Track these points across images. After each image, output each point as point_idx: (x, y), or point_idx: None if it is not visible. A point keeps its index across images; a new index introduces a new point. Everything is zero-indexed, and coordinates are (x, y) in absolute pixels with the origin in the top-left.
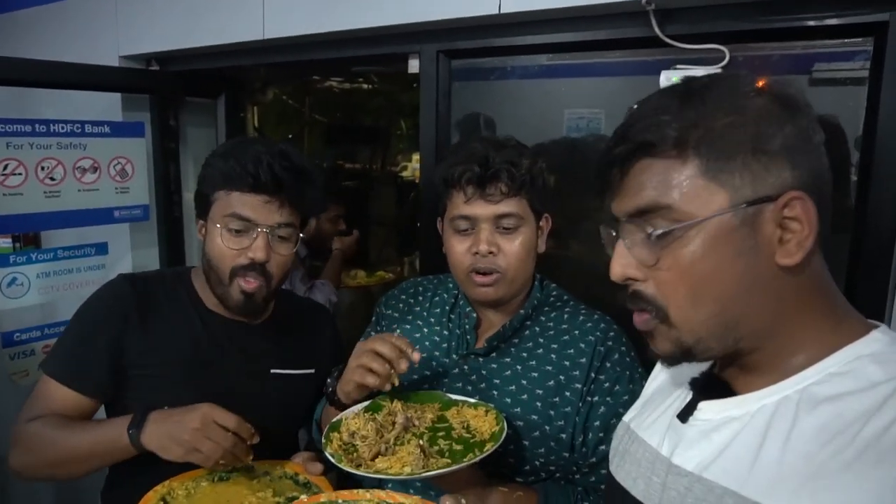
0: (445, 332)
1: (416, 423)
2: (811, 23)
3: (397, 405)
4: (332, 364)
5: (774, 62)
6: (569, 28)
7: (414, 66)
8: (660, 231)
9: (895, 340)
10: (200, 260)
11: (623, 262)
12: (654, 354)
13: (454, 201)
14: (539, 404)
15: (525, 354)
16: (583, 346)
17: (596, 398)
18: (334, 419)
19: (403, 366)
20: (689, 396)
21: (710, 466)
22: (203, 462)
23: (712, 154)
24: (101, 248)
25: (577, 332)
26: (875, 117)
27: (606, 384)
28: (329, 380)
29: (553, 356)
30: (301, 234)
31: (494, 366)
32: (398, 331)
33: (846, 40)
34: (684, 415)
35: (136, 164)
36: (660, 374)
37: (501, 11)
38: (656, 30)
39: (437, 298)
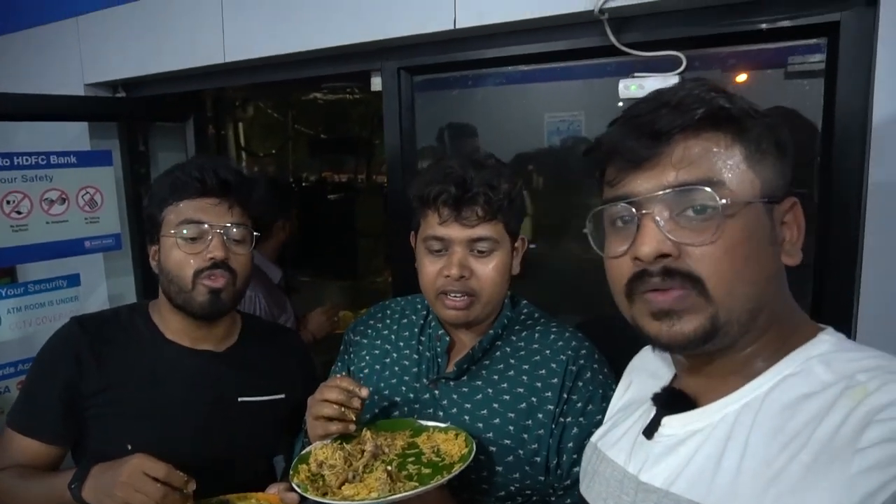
0: (415, 356)
1: (387, 450)
2: (765, 26)
3: (367, 434)
4: (303, 386)
5: (751, 57)
6: (525, 40)
7: (377, 83)
8: (724, 201)
9: (841, 341)
10: (160, 284)
11: (658, 238)
12: (668, 338)
13: (428, 221)
14: (512, 428)
15: (496, 377)
16: (554, 365)
17: (569, 419)
18: (303, 451)
19: (356, 404)
20: (654, 413)
21: (676, 481)
22: None
23: (754, 144)
24: (73, 280)
25: (548, 351)
26: (832, 114)
27: (579, 404)
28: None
29: (524, 377)
30: (257, 234)
31: (465, 390)
32: (367, 356)
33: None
34: (649, 431)
35: (105, 192)
36: (625, 393)
37: (457, 27)
38: (612, 38)
39: (405, 321)
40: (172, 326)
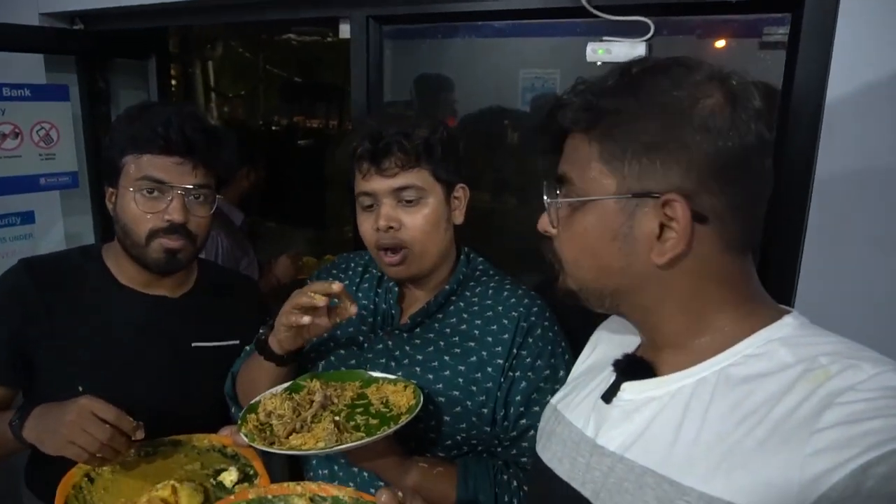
0: (371, 307)
1: (335, 400)
2: None
3: (316, 384)
4: (257, 333)
5: (726, 27)
6: None
7: (345, 30)
8: (552, 200)
9: (804, 325)
10: (115, 228)
11: (545, 218)
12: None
13: (357, 179)
14: (461, 380)
15: (448, 330)
16: (506, 322)
17: (517, 373)
18: (252, 401)
19: (351, 308)
20: (613, 378)
21: (631, 447)
22: (77, 456)
23: (610, 141)
24: (28, 217)
25: (500, 307)
26: (789, 89)
27: (528, 360)
28: (261, 329)
29: (476, 332)
30: (218, 196)
31: (418, 341)
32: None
33: None
34: (608, 395)
35: (61, 129)
36: (588, 358)
37: None
38: (583, 0)
39: (367, 274)
40: (126, 272)
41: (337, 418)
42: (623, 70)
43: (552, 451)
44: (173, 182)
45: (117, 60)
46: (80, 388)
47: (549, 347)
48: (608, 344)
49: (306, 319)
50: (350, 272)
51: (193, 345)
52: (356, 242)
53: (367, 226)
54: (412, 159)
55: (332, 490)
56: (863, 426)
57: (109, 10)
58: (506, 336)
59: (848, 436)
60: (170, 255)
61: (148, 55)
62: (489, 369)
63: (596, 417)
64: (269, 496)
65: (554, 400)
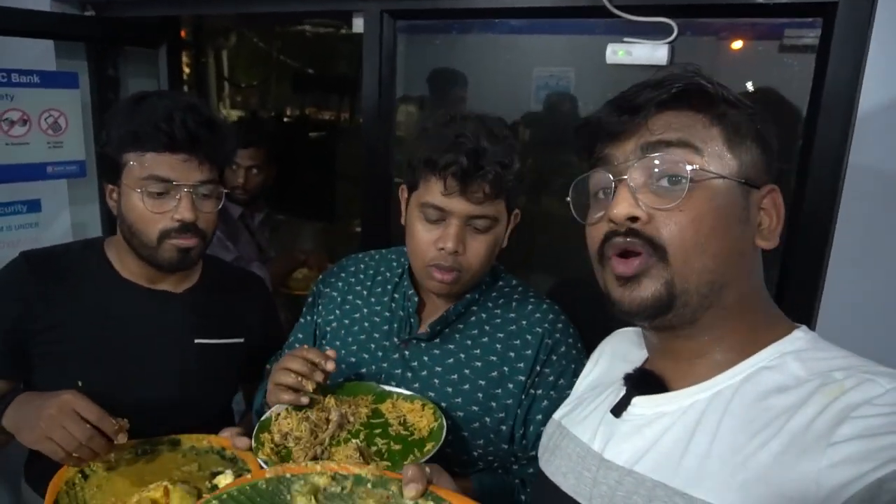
0: (387, 314)
1: (351, 419)
2: (762, 0)
3: (330, 401)
4: (263, 332)
5: (747, 28)
6: None
7: (359, 24)
8: (693, 167)
9: (815, 339)
10: (118, 226)
11: (630, 202)
12: (628, 304)
13: (430, 187)
14: (480, 395)
15: (469, 342)
16: (529, 337)
17: (539, 391)
18: (263, 417)
19: (318, 377)
20: (623, 392)
21: (640, 460)
22: (52, 453)
23: (733, 128)
24: (34, 206)
25: (524, 321)
26: (819, 95)
27: (551, 378)
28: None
29: (498, 346)
30: (224, 190)
31: (437, 352)
32: (336, 311)
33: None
34: (618, 409)
35: (70, 116)
36: (592, 372)
37: None
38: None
39: (379, 277)
40: (129, 266)
41: (358, 443)
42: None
43: (556, 466)
44: (180, 180)
45: (128, 48)
46: (80, 384)
47: (573, 366)
48: (612, 359)
49: (286, 398)
50: (361, 275)
51: (196, 341)
52: (365, 238)
53: (426, 237)
54: (500, 191)
55: (354, 469)
56: (879, 441)
57: None
58: (529, 352)
59: (864, 450)
60: (182, 253)
61: (159, 44)
62: (510, 385)
63: (604, 432)
64: (288, 475)
65: (557, 415)
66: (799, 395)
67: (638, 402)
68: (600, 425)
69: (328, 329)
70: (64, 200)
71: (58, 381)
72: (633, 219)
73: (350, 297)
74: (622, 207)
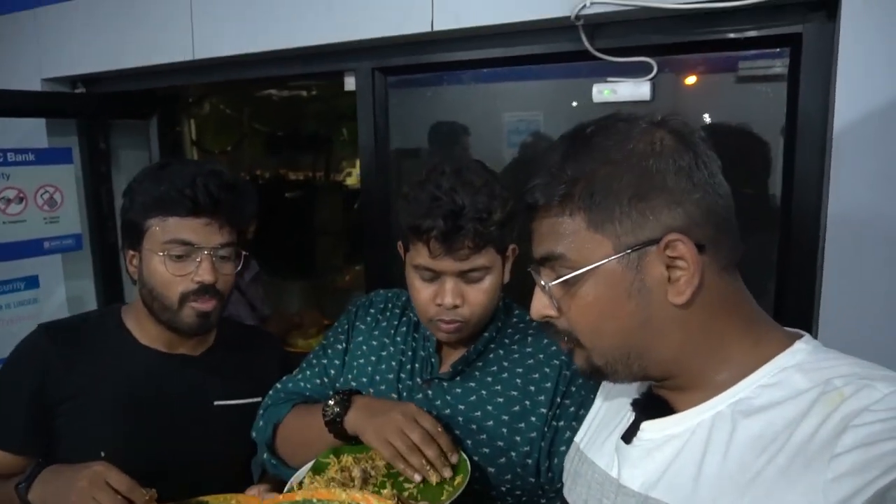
0: (410, 353)
1: (373, 472)
2: (733, 35)
3: (348, 459)
4: None
5: (702, 63)
6: (501, 43)
7: (350, 83)
8: (550, 282)
9: (817, 349)
10: (138, 291)
11: (540, 303)
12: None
13: (418, 250)
14: (505, 430)
15: (490, 379)
16: (548, 370)
17: (562, 423)
18: (286, 489)
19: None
20: (633, 417)
21: (655, 485)
22: None
23: (593, 207)
24: (32, 282)
25: (541, 355)
26: (794, 121)
27: (572, 408)
28: (332, 403)
29: (518, 381)
30: (244, 252)
31: (458, 390)
32: (364, 346)
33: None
34: (628, 435)
35: (65, 191)
36: (607, 396)
37: (434, 29)
38: (586, 44)
39: (405, 318)
40: (148, 332)
41: (394, 492)
42: (571, 137)
43: (577, 493)
44: (202, 243)
45: (118, 121)
46: (103, 454)
47: (592, 396)
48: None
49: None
50: (388, 313)
51: (216, 403)
52: (368, 289)
53: (424, 296)
54: (485, 242)
55: (373, 500)
56: (879, 448)
57: (111, 72)
58: (548, 385)
59: (866, 459)
60: (202, 318)
61: (150, 115)
62: (533, 419)
63: (618, 457)
64: (315, 500)
65: (577, 439)
66: (801, 406)
67: (646, 426)
68: (615, 451)
69: (354, 364)
70: (59, 275)
71: (80, 450)
72: (548, 315)
73: (377, 333)
74: (534, 309)
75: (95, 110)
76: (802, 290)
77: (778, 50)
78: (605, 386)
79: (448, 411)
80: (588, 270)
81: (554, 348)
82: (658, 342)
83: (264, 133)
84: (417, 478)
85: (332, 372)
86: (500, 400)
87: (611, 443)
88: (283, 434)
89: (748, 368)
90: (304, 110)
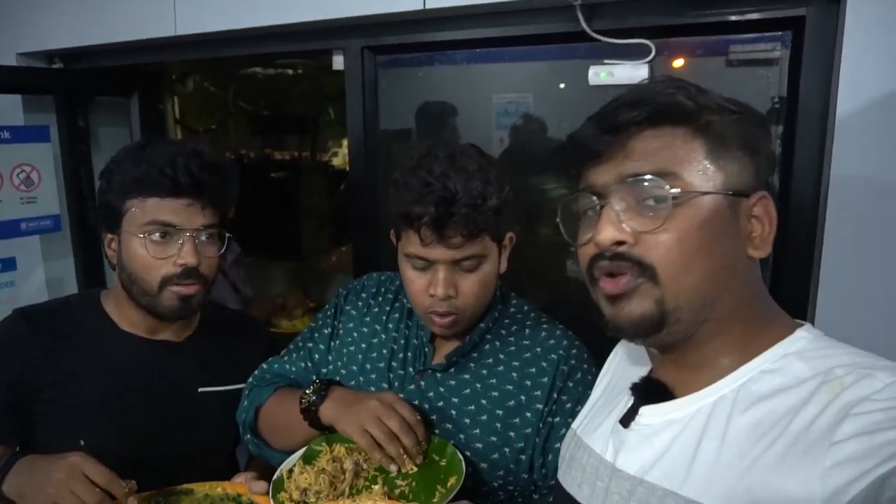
0: (403, 342)
1: (365, 465)
2: (733, 17)
3: (340, 449)
4: None
5: (702, 46)
6: (495, 23)
7: (338, 62)
8: (675, 191)
9: (818, 338)
10: (118, 276)
11: (615, 226)
12: (619, 322)
13: (410, 239)
14: (499, 425)
15: (485, 371)
16: (545, 364)
17: (557, 419)
18: (275, 476)
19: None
20: (632, 402)
21: (651, 469)
22: None
23: (717, 139)
24: (9, 264)
25: (538, 349)
26: (795, 106)
27: (568, 405)
28: (309, 392)
29: (514, 374)
30: (228, 235)
31: (452, 382)
32: (355, 333)
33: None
34: (626, 420)
35: (42, 171)
36: (603, 380)
37: (426, 7)
38: (583, 24)
39: (397, 303)
40: (128, 318)
41: (384, 489)
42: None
43: (572, 477)
44: (183, 225)
45: (98, 98)
46: (82, 443)
47: (589, 391)
48: (624, 363)
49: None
50: (380, 298)
51: (200, 390)
52: (357, 273)
53: (417, 286)
54: (478, 229)
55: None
56: (879, 437)
57: (90, 47)
58: (545, 380)
59: (865, 447)
60: (184, 301)
61: (131, 92)
62: (528, 414)
63: (615, 442)
64: None
65: (574, 425)
66: (801, 393)
67: (645, 411)
68: (611, 435)
69: (345, 351)
70: (37, 256)
71: (60, 439)
72: (620, 242)
73: (368, 320)
74: (606, 233)
75: (74, 87)
76: (799, 280)
77: (780, 33)
78: (604, 369)
79: (441, 404)
80: (702, 195)
81: (552, 341)
82: (728, 294)
83: (249, 112)
84: (394, 468)
85: (317, 356)
86: (495, 394)
87: (606, 426)
88: (265, 417)
89: (751, 353)
90: (290, 89)
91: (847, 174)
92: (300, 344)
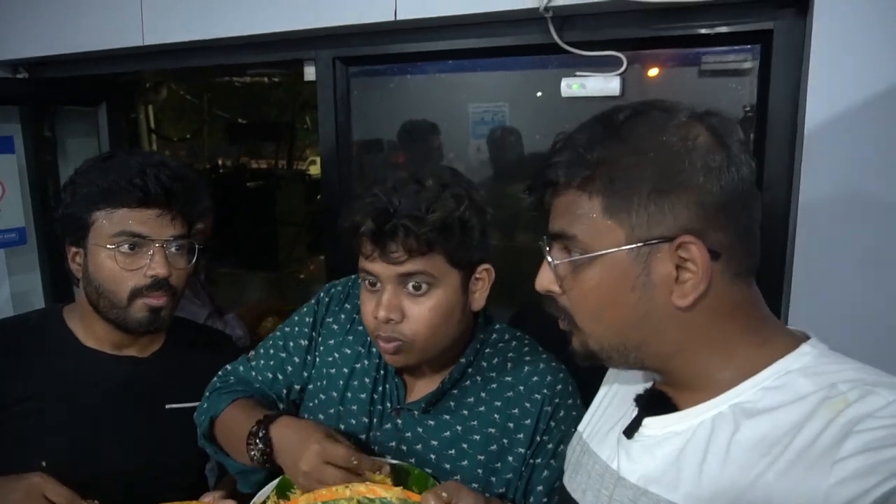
0: (382, 371)
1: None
2: (703, 31)
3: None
4: None
5: (666, 55)
6: (467, 34)
7: (310, 73)
8: (557, 262)
9: (824, 353)
10: (83, 290)
11: (546, 277)
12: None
13: (360, 253)
14: (480, 471)
15: (466, 412)
16: (528, 405)
17: (539, 460)
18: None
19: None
20: (636, 412)
21: (655, 481)
22: None
23: (613, 193)
24: None
25: (521, 387)
26: (764, 117)
27: (550, 445)
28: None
29: (496, 416)
30: (199, 246)
31: (431, 423)
32: (337, 354)
33: None
34: (630, 431)
35: (6, 183)
36: (613, 384)
37: (398, 18)
38: (555, 36)
39: None
40: (93, 333)
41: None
42: (604, 119)
43: (577, 483)
44: (153, 235)
45: (65, 108)
46: (43, 464)
47: (573, 429)
48: (631, 371)
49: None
50: (351, 308)
51: (167, 407)
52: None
53: (367, 307)
54: (423, 245)
55: (379, 490)
56: (883, 454)
57: (56, 57)
58: (528, 422)
59: (869, 464)
60: (153, 314)
61: (98, 102)
62: (510, 458)
63: (619, 450)
64: (319, 502)
65: (580, 427)
66: (804, 409)
67: (648, 422)
68: (617, 444)
69: (325, 372)
70: (2, 270)
71: (22, 460)
72: (551, 290)
73: (351, 339)
74: (539, 281)
75: (38, 97)
76: (770, 290)
77: (749, 46)
78: (610, 376)
79: (419, 446)
80: (595, 256)
81: (535, 378)
82: (655, 338)
83: (225, 120)
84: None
85: (289, 369)
86: (477, 437)
87: (614, 435)
88: (220, 429)
89: (752, 369)
90: (266, 96)
91: (816, 182)
92: (271, 351)
